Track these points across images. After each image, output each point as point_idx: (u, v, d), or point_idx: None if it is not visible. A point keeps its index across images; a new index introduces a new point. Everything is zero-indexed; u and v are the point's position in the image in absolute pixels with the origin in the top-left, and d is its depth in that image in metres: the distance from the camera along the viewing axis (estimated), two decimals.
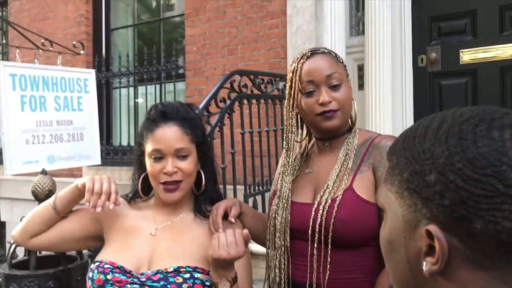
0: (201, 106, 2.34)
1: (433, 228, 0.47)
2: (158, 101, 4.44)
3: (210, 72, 4.00)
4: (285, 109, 1.28)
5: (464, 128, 0.48)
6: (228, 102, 2.61)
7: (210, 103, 2.47)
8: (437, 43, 3.18)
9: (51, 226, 1.30)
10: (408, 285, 0.53)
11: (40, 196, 1.62)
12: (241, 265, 1.22)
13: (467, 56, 3.06)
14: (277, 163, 2.27)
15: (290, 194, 1.25)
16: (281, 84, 3.17)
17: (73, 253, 1.66)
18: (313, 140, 1.35)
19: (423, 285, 0.51)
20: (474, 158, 0.46)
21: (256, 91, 2.89)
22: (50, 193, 1.64)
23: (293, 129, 1.28)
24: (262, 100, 2.95)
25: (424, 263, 0.49)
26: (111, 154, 4.63)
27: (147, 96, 4.50)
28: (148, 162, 1.24)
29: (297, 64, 1.23)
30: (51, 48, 2.98)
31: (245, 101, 2.81)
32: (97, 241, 1.34)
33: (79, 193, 1.27)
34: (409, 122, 3.18)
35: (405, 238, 0.51)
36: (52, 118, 2.97)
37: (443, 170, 0.47)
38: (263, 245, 1.35)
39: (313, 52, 1.24)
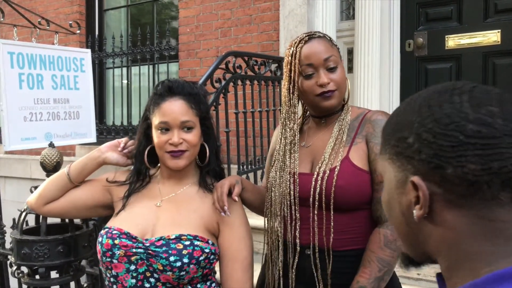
0: None
1: (415, 178, 0.58)
2: (151, 82, 4.49)
3: (203, 53, 4.06)
4: (285, 91, 1.36)
5: (432, 97, 0.60)
6: (223, 82, 2.69)
7: (206, 83, 2.54)
8: (424, 29, 3.28)
9: (64, 193, 1.40)
10: (408, 235, 0.65)
11: (48, 168, 1.70)
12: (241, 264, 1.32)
13: (452, 41, 3.18)
14: (269, 142, 2.37)
15: (296, 167, 1.35)
16: (273, 66, 3.25)
17: (79, 223, 1.76)
18: (308, 116, 1.45)
19: (419, 233, 0.62)
20: (440, 118, 0.57)
21: (250, 72, 2.97)
22: (57, 164, 1.72)
23: (295, 109, 1.36)
24: (255, 81, 3.03)
25: (414, 211, 0.60)
26: (104, 134, 4.69)
27: (140, 76, 4.54)
28: (155, 133, 1.32)
29: (296, 48, 1.32)
30: (48, 27, 3.01)
31: (239, 82, 2.89)
32: (106, 210, 1.44)
33: (92, 163, 1.38)
34: (396, 104, 3.29)
35: (398, 194, 0.63)
36: (49, 96, 3.02)
37: (417, 131, 0.58)
38: (262, 214, 1.45)
39: (310, 37, 1.33)
